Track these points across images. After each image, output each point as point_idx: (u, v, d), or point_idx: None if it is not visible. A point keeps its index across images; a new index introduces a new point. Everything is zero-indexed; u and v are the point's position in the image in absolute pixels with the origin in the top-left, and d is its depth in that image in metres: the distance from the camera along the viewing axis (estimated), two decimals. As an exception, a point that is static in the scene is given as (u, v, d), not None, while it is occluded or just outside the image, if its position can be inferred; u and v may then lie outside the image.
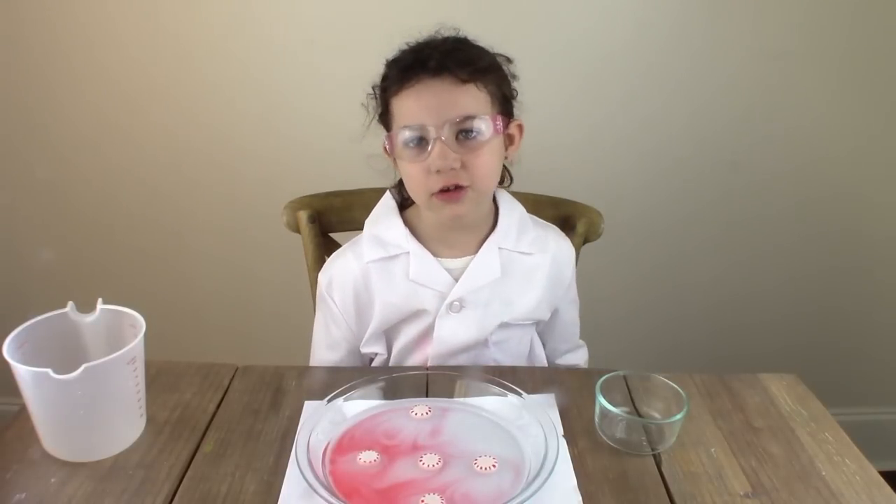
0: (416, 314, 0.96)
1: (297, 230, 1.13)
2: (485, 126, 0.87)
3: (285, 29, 1.43)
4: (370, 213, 1.07)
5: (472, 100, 0.87)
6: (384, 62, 0.92)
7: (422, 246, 0.95)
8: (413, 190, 0.92)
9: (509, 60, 0.94)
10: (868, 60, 1.48)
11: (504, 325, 0.98)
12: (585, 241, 1.12)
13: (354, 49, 1.43)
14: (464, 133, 0.87)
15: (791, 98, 1.50)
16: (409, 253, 0.95)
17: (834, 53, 1.47)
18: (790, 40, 1.45)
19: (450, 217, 0.91)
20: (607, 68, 1.46)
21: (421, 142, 0.87)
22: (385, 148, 0.93)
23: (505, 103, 0.92)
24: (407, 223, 0.97)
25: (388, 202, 1.00)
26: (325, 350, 1.01)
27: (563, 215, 1.13)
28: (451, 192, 0.88)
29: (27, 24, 1.43)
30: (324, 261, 1.13)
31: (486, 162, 0.89)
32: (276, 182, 1.43)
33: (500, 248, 0.96)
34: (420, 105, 0.87)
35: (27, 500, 0.69)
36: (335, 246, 1.15)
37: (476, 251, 0.96)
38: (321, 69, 1.46)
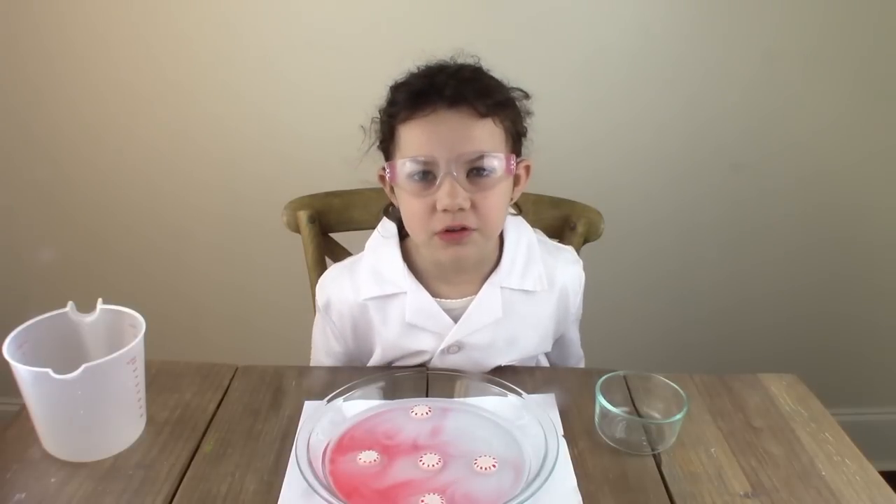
0: (412, 353, 0.93)
1: (297, 230, 1.13)
2: (498, 165, 0.81)
3: (285, 29, 1.43)
4: (369, 211, 1.06)
5: (489, 136, 0.82)
6: (389, 85, 0.86)
7: (420, 286, 0.90)
8: (412, 227, 0.86)
9: (527, 96, 0.88)
10: (875, 68, 1.47)
11: (503, 368, 0.93)
12: (585, 241, 1.12)
13: (354, 49, 1.43)
14: (476, 171, 0.81)
15: (796, 105, 1.50)
16: (406, 293, 0.90)
17: (843, 61, 1.46)
18: (798, 47, 1.45)
19: (451, 259, 0.86)
20: (610, 69, 1.46)
21: (427, 176, 0.81)
22: (381, 176, 0.89)
23: (517, 141, 0.87)
24: (406, 255, 0.92)
25: (387, 229, 0.94)
26: (324, 356, 1.00)
27: (563, 215, 1.13)
28: (455, 232, 0.82)
29: (27, 23, 1.43)
30: (324, 261, 1.13)
31: (496, 203, 0.84)
32: (276, 182, 1.43)
33: (502, 287, 0.91)
34: (432, 136, 0.81)
35: (27, 500, 0.69)
36: (335, 246, 1.15)
37: (478, 290, 0.90)
38: (321, 69, 1.46)
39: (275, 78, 1.47)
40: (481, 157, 0.81)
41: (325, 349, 1.00)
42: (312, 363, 1.03)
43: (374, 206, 1.08)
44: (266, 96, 1.49)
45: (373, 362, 0.96)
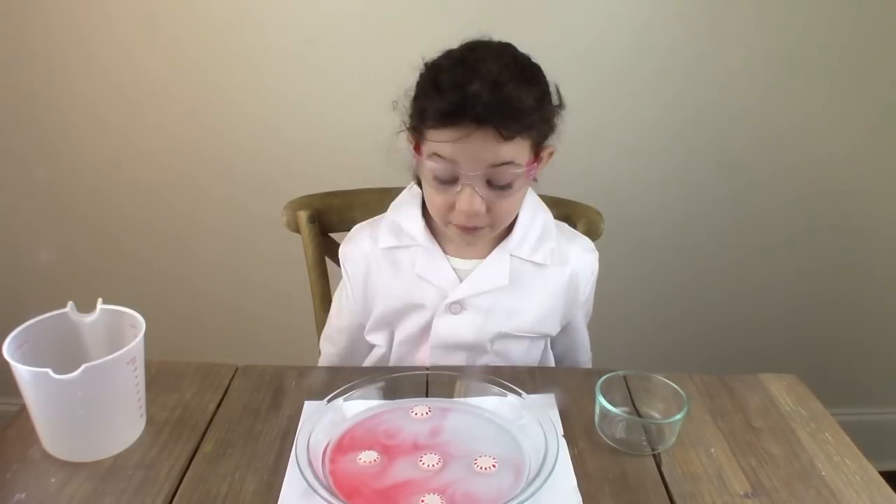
0: (415, 308, 0.96)
1: (297, 230, 1.13)
2: (519, 175, 0.85)
3: (284, 28, 1.43)
4: (369, 211, 1.06)
5: (514, 150, 0.83)
6: (421, 67, 0.86)
7: (434, 241, 0.95)
8: (432, 211, 0.91)
9: (561, 99, 0.89)
10: (864, 61, 1.47)
11: (505, 335, 0.96)
12: (585, 240, 1.12)
13: (353, 49, 1.43)
14: (496, 179, 0.84)
15: (790, 99, 1.50)
16: (420, 246, 0.95)
17: (832, 55, 1.46)
18: (788, 43, 1.45)
19: (465, 242, 0.93)
20: (608, 69, 1.46)
21: (450, 176, 0.85)
22: (411, 143, 0.89)
23: (543, 141, 0.88)
24: (427, 216, 0.96)
25: (413, 190, 0.98)
26: (335, 316, 1.05)
27: (563, 215, 1.12)
28: (469, 228, 0.88)
29: (27, 24, 1.43)
30: (324, 261, 1.14)
31: (512, 206, 0.90)
32: (276, 182, 1.43)
33: (511, 255, 0.94)
34: (457, 149, 0.82)
35: (27, 500, 0.69)
36: (335, 246, 1.15)
37: (488, 254, 0.95)
38: (321, 69, 1.46)
39: (275, 78, 1.47)
40: (503, 171, 0.83)
41: (336, 309, 1.05)
42: (325, 327, 1.07)
43: (375, 206, 1.09)
44: (266, 96, 1.49)
45: (374, 318, 0.99)
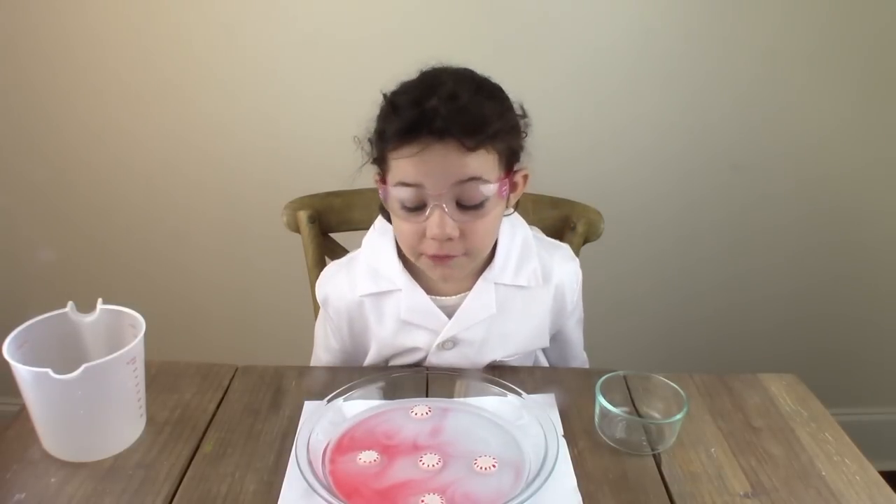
0: (408, 350, 0.93)
1: (297, 230, 1.13)
2: (489, 193, 0.81)
3: (284, 28, 1.43)
4: (369, 211, 1.05)
5: (480, 164, 0.80)
6: (383, 93, 0.83)
7: (415, 283, 0.91)
8: (402, 245, 0.87)
9: (525, 114, 0.86)
10: (878, 69, 1.47)
11: (499, 362, 0.94)
12: (585, 240, 1.12)
13: (354, 48, 1.43)
14: (466, 198, 0.80)
15: (797, 107, 1.49)
16: (401, 290, 0.91)
17: (845, 61, 1.46)
18: (799, 47, 1.45)
19: (440, 277, 0.87)
20: (611, 71, 1.46)
21: (417, 202, 0.81)
22: (377, 179, 0.87)
23: (512, 157, 0.85)
24: (402, 252, 0.91)
25: (383, 226, 0.94)
26: (323, 350, 1.01)
27: (563, 215, 1.13)
28: (442, 257, 0.83)
29: (26, 24, 1.43)
30: (324, 261, 1.13)
31: (486, 229, 0.84)
32: (276, 182, 1.43)
33: (496, 283, 0.91)
34: (421, 168, 0.79)
35: (27, 500, 0.69)
36: (335, 246, 1.15)
37: (472, 285, 0.91)
38: (321, 69, 1.46)
39: (275, 78, 1.47)
40: (470, 182, 0.79)
41: (324, 345, 1.01)
42: (313, 359, 1.03)
43: (375, 206, 1.08)
44: (266, 96, 1.49)
45: (368, 360, 0.96)
